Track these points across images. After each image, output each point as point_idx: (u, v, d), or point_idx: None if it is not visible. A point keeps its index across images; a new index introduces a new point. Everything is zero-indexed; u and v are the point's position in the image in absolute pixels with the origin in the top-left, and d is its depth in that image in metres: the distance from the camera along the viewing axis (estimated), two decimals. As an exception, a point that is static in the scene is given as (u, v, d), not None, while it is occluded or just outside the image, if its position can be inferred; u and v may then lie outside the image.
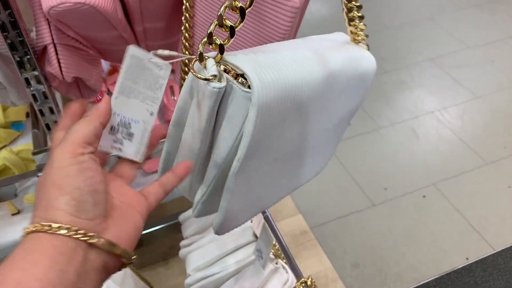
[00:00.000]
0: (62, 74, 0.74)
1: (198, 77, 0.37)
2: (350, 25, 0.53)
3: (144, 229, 1.16)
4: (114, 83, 1.34)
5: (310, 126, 0.48)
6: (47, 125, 0.80)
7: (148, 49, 0.83)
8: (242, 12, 0.37)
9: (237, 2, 0.37)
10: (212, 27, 0.38)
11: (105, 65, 1.38)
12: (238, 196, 0.44)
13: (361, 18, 0.52)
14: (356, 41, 0.55)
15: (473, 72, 1.92)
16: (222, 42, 0.37)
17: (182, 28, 0.70)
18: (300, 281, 0.72)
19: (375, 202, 1.45)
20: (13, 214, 1.04)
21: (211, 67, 0.37)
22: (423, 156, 1.59)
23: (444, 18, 2.25)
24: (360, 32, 0.54)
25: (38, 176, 0.83)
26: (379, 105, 1.79)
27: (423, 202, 1.44)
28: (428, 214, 1.41)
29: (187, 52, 0.73)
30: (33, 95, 0.75)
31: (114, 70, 1.36)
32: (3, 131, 1.15)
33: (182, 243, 0.92)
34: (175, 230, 1.19)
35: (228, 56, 0.39)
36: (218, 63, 0.38)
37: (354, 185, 1.51)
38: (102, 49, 0.82)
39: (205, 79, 0.37)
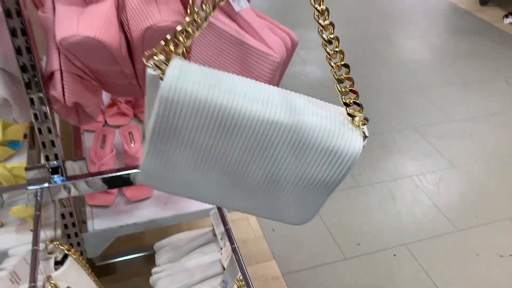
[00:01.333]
0: (64, 99, 0.82)
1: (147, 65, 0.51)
2: (342, 99, 0.53)
3: (121, 257, 1.19)
4: (112, 115, 1.42)
5: (245, 157, 0.53)
6: (43, 143, 0.86)
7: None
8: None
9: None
10: (169, 36, 0.52)
11: (105, 98, 1.47)
12: (155, 160, 0.55)
13: (355, 94, 0.52)
14: (354, 124, 0.53)
15: (452, 143, 2.03)
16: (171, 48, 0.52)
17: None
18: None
19: (347, 255, 1.49)
20: (-4, 227, 1.08)
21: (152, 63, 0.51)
22: (398, 217, 1.65)
23: (432, 91, 2.40)
24: (359, 113, 0.53)
25: (27, 189, 0.88)
26: (360, 164, 1.88)
27: (393, 261, 1.49)
28: (397, 273, 1.45)
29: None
30: (35, 114, 0.83)
31: (113, 104, 1.45)
32: (0, 148, 1.21)
33: (154, 269, 0.96)
34: (151, 261, 1.22)
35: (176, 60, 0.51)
36: (156, 64, 0.51)
37: (329, 237, 1.55)
38: (104, 81, 0.90)
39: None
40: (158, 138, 0.52)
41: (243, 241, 1.52)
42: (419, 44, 2.91)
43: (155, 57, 0.51)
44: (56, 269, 0.87)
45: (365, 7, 3.39)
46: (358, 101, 0.51)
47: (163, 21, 0.72)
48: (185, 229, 1.33)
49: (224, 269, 0.89)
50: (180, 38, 0.52)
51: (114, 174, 0.94)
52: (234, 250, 0.79)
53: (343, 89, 0.52)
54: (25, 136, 1.31)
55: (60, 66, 0.81)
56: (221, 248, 0.95)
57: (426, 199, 1.74)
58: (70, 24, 0.70)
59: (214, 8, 0.51)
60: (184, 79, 0.49)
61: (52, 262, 0.88)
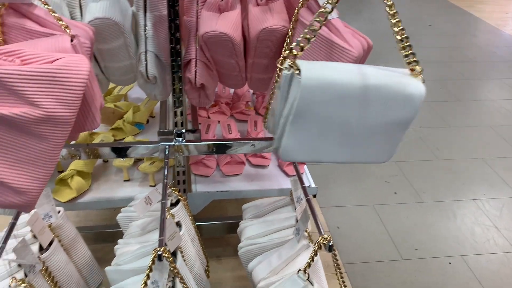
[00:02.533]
0: (195, 80, 1.13)
1: (280, 68, 0.73)
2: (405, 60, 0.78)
3: (204, 222, 1.45)
4: (214, 112, 1.73)
5: (351, 114, 0.78)
6: (175, 113, 1.18)
7: (251, 80, 1.21)
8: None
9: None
10: (293, 45, 0.74)
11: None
12: (293, 138, 0.77)
13: (413, 55, 0.77)
14: (414, 75, 0.78)
15: (521, 176, 2.10)
16: (296, 53, 0.74)
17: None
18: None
19: (404, 257, 1.64)
20: (125, 180, 1.41)
21: (287, 64, 0.73)
22: (457, 232, 1.77)
23: (504, 127, 2.48)
24: (416, 67, 0.78)
25: (159, 145, 1.19)
26: (426, 184, 2.02)
27: (448, 268, 1.61)
28: (451, 279, 1.57)
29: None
30: (174, 89, 1.14)
31: (215, 104, 1.77)
32: (130, 126, 1.57)
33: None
34: (232, 231, 1.48)
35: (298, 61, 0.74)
36: (290, 65, 0.74)
37: (389, 240, 1.71)
38: (221, 72, 1.20)
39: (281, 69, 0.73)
40: (297, 118, 0.76)
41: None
42: (497, 86, 3.00)
43: (287, 61, 0.77)
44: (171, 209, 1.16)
45: (450, 51, 3.55)
46: (415, 59, 0.76)
47: (274, 25, 1.01)
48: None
49: (297, 221, 1.12)
50: (302, 44, 0.77)
51: (219, 142, 1.22)
52: (308, 200, 1.02)
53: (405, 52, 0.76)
54: (147, 121, 1.66)
55: (196, 56, 1.12)
56: (296, 209, 1.18)
57: (486, 220, 1.83)
58: (211, 24, 1.01)
59: (325, 20, 0.77)
60: (314, 71, 0.75)
61: (169, 202, 1.16)
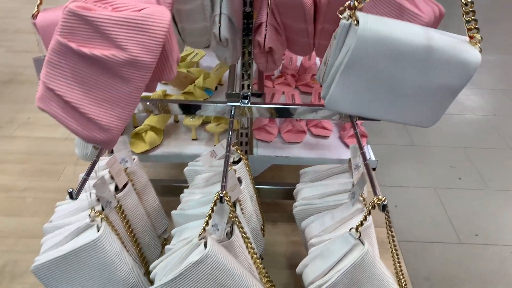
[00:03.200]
0: (264, 43, 1.18)
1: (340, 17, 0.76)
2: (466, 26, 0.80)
3: (262, 185, 1.50)
4: (279, 83, 1.77)
5: (403, 73, 0.79)
6: (243, 75, 1.24)
7: (319, 46, 1.23)
8: None
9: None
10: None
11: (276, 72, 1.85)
12: (341, 88, 0.80)
13: (475, 21, 0.78)
14: (472, 43, 0.80)
15: None
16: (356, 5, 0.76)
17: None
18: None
19: (463, 241, 1.61)
20: (193, 139, 1.51)
21: (346, 14, 0.76)
22: (524, 223, 1.69)
23: None
24: (476, 35, 0.80)
25: (227, 105, 1.26)
26: (494, 172, 1.94)
27: (509, 256, 1.55)
28: (511, 269, 1.51)
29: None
30: (243, 52, 1.20)
31: (281, 76, 1.81)
32: (200, 91, 1.65)
33: (298, 184, 1.26)
34: (288, 197, 1.53)
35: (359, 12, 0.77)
36: (349, 15, 0.77)
37: (448, 223, 1.68)
38: (289, 38, 1.24)
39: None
40: (348, 69, 0.79)
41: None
42: None
43: (347, 11, 0.80)
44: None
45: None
46: (477, 26, 0.76)
47: (345, -10, 1.03)
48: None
49: (353, 186, 1.14)
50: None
51: (282, 106, 1.27)
52: (366, 165, 1.04)
53: (468, 18, 0.77)
54: (216, 88, 1.74)
55: (266, 19, 1.17)
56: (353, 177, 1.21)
57: (559, 213, 1.73)
58: (284, -13, 1.05)
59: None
60: (372, 23, 0.77)
61: (231, 159, 1.23)
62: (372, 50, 0.76)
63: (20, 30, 3.21)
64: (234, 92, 1.29)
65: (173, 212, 1.12)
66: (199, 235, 0.93)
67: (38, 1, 0.89)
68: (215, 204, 0.92)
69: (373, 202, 0.91)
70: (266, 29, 1.17)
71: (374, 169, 1.46)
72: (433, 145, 2.14)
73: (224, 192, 0.91)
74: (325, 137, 1.53)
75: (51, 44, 0.79)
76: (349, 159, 1.22)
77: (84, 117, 0.85)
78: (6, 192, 1.74)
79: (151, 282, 0.98)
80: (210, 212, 0.92)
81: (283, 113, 1.27)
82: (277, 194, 1.57)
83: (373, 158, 1.47)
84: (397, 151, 2.10)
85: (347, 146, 1.49)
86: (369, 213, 0.92)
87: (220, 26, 1.18)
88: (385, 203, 0.89)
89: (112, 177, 1.13)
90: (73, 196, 0.89)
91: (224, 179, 0.97)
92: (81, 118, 0.85)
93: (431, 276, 1.48)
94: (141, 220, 1.19)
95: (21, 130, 2.12)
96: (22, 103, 2.34)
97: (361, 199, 1.10)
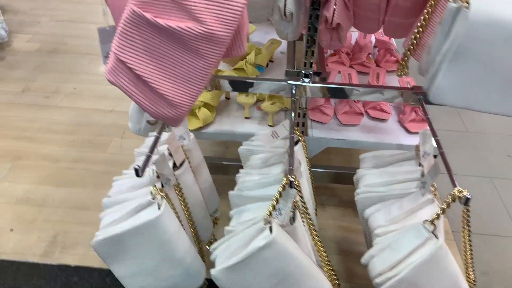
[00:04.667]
0: (332, 18, 1.11)
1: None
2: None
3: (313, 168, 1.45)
4: (333, 62, 1.70)
5: None
6: (306, 52, 1.17)
7: (388, 24, 1.16)
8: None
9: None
10: None
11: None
12: (449, 79, 0.72)
13: None
14: None
15: None
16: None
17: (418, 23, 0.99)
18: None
19: (522, 235, 1.53)
20: (245, 118, 1.46)
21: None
22: None
23: None
24: None
25: (287, 83, 1.20)
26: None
27: None
28: None
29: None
30: (309, 28, 1.13)
31: (335, 54, 1.73)
32: (251, 67, 1.60)
33: (359, 170, 1.20)
34: (338, 180, 1.48)
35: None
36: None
37: (506, 215, 1.60)
38: (358, 14, 1.16)
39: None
40: (457, 57, 0.71)
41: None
42: None
43: None
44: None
45: None
46: None
47: (431, -38, 0.94)
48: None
49: (422, 176, 1.08)
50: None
51: (338, 86, 1.20)
52: (441, 154, 0.98)
53: None
54: (266, 65, 1.68)
55: (337, -7, 1.09)
56: (420, 165, 1.14)
57: None
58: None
59: None
60: (485, 4, 0.68)
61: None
62: (487, 36, 0.68)
63: (63, -1, 3.21)
64: (294, 70, 1.23)
65: (230, 192, 1.09)
66: (264, 219, 0.90)
67: (107, -32, 0.85)
68: (283, 188, 0.88)
69: (454, 194, 0.85)
70: (335, 3, 1.10)
71: (435, 157, 1.39)
72: (488, 132, 2.04)
73: (294, 176, 0.87)
74: (383, 120, 1.45)
75: (124, 13, 0.75)
76: (416, 145, 1.16)
77: (154, 92, 0.82)
78: (55, 163, 1.76)
79: (207, 264, 0.96)
80: (278, 196, 0.88)
81: (346, 94, 1.21)
82: (327, 177, 1.52)
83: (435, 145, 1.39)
84: (450, 137, 2.01)
85: (407, 130, 1.42)
86: (449, 206, 0.86)
87: (286, 0, 1.12)
88: (468, 196, 0.83)
89: (170, 154, 1.10)
90: (139, 173, 0.86)
91: (292, 163, 0.92)
92: (151, 93, 0.82)
93: (489, 271, 1.41)
94: (196, 199, 1.16)
95: (68, 101, 2.12)
96: (67, 73, 2.34)
97: (432, 189, 1.04)
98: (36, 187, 1.64)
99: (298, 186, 0.88)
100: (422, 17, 0.99)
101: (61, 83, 2.25)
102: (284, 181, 0.87)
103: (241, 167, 1.18)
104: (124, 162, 1.75)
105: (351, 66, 1.69)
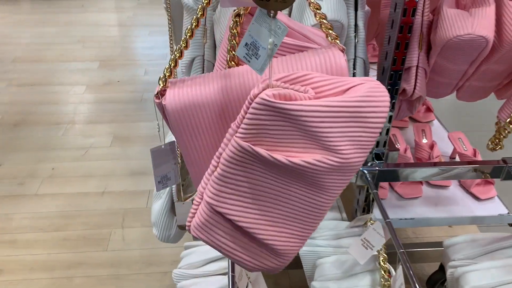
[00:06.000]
0: (414, 91, 0.92)
1: None
2: None
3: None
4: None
5: None
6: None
7: (466, 88, 0.98)
8: None
9: None
10: None
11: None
12: None
13: None
14: None
15: None
16: None
17: None
18: None
19: None
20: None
21: None
22: None
23: None
24: None
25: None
26: None
27: None
28: None
29: None
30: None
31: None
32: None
33: (452, 263, 1.00)
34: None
35: None
36: None
37: None
38: (433, 80, 0.98)
39: None
40: None
41: None
42: None
43: None
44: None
45: None
46: None
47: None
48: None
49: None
50: None
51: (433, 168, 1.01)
52: None
53: None
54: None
55: (418, 62, 0.91)
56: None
57: None
58: (464, 24, 0.79)
59: None
60: None
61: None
62: None
63: (19, 58, 2.85)
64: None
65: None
66: None
67: (163, 74, 0.60)
68: None
69: None
70: (417, 74, 0.91)
71: (511, 225, 1.22)
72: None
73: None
74: (445, 186, 1.27)
75: (227, 152, 0.51)
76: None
77: (257, 243, 0.58)
78: (47, 272, 1.43)
79: None
80: None
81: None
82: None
83: None
84: None
85: (475, 197, 1.24)
86: None
87: (354, 74, 0.92)
88: None
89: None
90: None
91: None
92: (253, 244, 0.59)
93: None
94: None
95: (47, 186, 1.80)
96: (40, 150, 2.01)
97: None
98: (28, 311, 1.32)
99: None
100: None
101: (35, 164, 1.91)
102: None
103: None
104: (131, 260, 1.46)
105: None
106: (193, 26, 0.58)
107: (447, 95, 1.04)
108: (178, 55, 0.60)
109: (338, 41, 0.60)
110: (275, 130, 0.50)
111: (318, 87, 0.53)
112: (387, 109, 0.54)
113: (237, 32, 0.64)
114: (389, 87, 0.91)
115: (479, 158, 1.29)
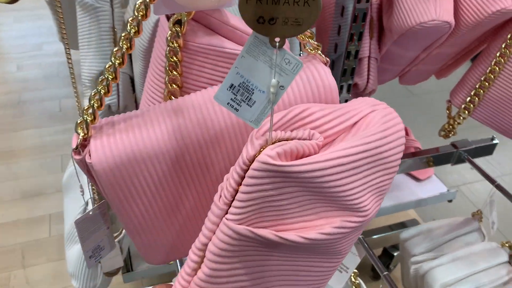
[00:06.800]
0: (366, 85, 0.81)
1: None
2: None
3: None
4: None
5: None
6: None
7: (410, 72, 0.92)
8: None
9: None
10: None
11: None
12: None
13: None
14: None
15: None
16: None
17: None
18: None
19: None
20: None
21: None
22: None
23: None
24: None
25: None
26: None
27: None
28: None
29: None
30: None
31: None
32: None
33: (414, 259, 0.95)
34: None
35: None
36: None
37: None
38: (380, 68, 0.89)
39: None
40: None
41: None
42: None
43: None
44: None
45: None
46: None
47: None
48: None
49: (510, 257, 0.88)
50: None
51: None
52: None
53: None
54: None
55: (369, 52, 0.80)
56: (484, 237, 0.94)
57: None
58: (426, 9, 0.69)
59: None
60: None
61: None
62: None
63: None
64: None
65: None
66: None
67: (82, 117, 0.40)
68: None
69: None
70: (369, 66, 0.81)
71: (450, 201, 1.22)
72: None
73: None
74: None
75: (216, 243, 0.34)
76: (474, 213, 0.96)
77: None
78: None
79: None
80: None
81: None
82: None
83: (444, 189, 1.21)
84: None
85: (416, 178, 1.21)
86: None
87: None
88: None
89: None
90: None
91: None
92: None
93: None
94: None
95: None
96: None
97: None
98: None
99: None
100: (489, 65, 0.77)
101: None
102: None
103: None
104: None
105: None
106: (123, 50, 0.38)
107: (389, 80, 0.96)
108: (103, 91, 0.40)
109: (319, 52, 0.46)
110: (281, 200, 0.35)
111: (320, 125, 0.38)
112: (404, 140, 0.41)
113: (179, 46, 0.46)
114: (342, 83, 0.79)
115: (412, 137, 1.26)
